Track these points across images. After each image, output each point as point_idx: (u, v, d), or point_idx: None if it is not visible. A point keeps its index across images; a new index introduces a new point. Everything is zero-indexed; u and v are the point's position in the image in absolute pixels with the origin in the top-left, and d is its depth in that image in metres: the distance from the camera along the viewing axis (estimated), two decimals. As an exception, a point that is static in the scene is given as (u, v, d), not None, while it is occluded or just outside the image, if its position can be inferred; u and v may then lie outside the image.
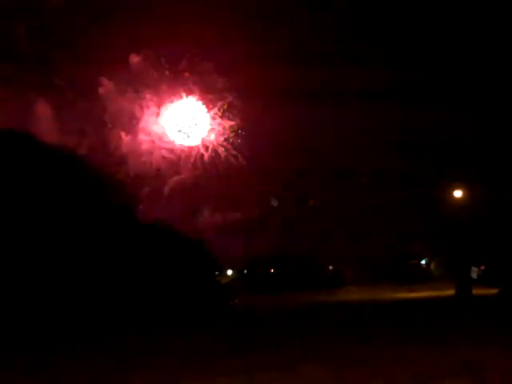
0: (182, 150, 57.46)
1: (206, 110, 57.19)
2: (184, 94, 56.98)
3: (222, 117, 56.88)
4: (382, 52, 51.16)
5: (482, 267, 53.08)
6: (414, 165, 53.79)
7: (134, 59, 55.18)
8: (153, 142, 57.45)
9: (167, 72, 55.99)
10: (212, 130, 56.82)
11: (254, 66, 51.67)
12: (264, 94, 51.89)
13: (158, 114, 57.09)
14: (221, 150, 56.75)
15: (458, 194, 42.57)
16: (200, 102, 57.20)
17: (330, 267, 64.10)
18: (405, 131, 53.20)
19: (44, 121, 51.92)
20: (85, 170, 34.01)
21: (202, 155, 57.21)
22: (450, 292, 40.74)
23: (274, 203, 60.71)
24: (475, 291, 39.75)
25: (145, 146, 57.44)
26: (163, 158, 57.67)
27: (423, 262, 64.07)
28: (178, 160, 57.38)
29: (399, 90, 50.94)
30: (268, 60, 51.21)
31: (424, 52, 50.28)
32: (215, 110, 56.90)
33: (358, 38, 50.86)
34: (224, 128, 56.90)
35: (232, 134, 56.10)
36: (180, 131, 56.91)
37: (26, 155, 30.85)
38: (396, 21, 49.56)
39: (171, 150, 57.31)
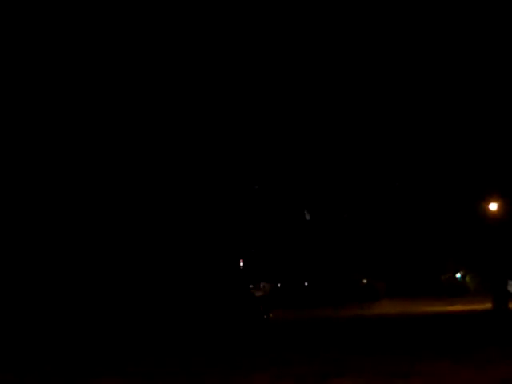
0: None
1: None
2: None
3: None
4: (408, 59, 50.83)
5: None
6: (449, 177, 53.42)
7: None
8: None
9: None
10: None
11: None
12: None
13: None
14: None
15: (493, 206, 42.16)
16: None
17: (364, 280, 63.81)
18: (439, 143, 52.88)
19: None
20: None
21: None
22: (486, 306, 40.24)
23: (308, 216, 60.76)
24: (512, 305, 39.23)
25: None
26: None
27: (458, 275, 63.40)
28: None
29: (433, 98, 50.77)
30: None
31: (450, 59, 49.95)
32: None
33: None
34: None
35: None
36: None
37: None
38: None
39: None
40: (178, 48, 41.04)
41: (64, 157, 36.36)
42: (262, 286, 61.38)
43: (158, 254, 33.31)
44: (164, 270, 32.37)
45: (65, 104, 37.78)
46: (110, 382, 14.18)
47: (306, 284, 63.12)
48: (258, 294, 54.33)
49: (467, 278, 62.64)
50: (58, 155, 36.74)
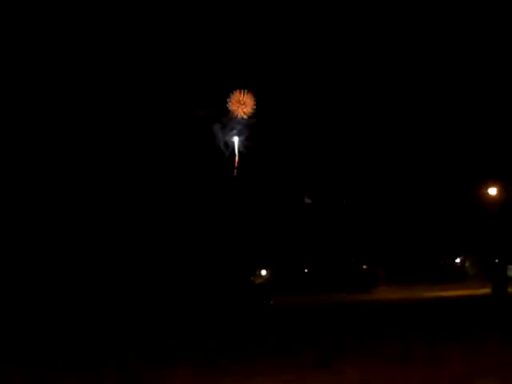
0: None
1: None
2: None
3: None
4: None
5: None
6: (448, 162, 53.46)
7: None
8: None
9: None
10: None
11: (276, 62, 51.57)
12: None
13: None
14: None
15: (492, 191, 42.11)
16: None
17: (364, 266, 63.95)
18: (438, 129, 52.88)
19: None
20: None
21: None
22: (486, 291, 40.36)
23: (308, 201, 60.76)
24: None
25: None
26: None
27: (458, 260, 63.56)
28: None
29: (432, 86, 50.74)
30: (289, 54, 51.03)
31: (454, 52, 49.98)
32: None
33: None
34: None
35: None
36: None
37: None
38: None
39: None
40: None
41: (71, 156, 36.33)
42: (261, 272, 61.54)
43: (162, 245, 33.41)
44: (166, 260, 32.48)
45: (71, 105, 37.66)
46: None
47: (305, 270, 63.24)
48: (259, 280, 54.46)
49: (467, 263, 62.80)
50: (61, 155, 36.71)
